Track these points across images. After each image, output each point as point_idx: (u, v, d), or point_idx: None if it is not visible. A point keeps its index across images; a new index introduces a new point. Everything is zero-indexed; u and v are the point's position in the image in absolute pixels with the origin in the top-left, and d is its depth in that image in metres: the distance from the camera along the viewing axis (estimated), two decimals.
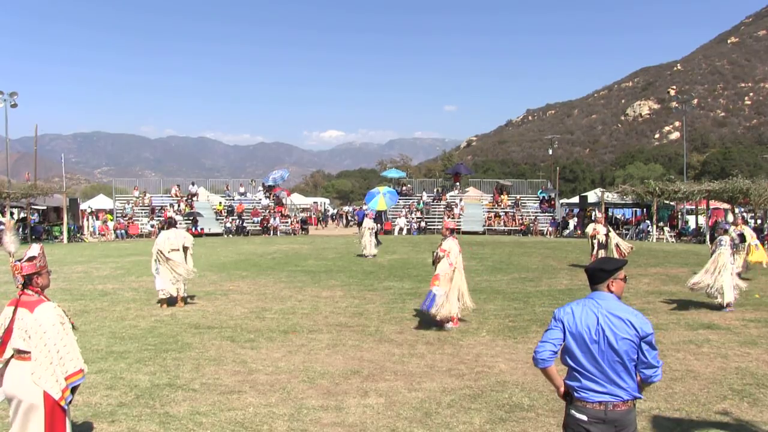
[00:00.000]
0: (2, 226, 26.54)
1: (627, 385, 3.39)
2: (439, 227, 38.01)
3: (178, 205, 37.60)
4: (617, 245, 16.88)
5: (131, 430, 5.36)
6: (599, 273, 3.56)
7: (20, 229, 30.37)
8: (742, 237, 15.08)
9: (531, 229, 36.47)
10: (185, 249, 11.69)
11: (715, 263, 11.22)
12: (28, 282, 4.09)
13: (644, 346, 3.39)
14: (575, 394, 3.45)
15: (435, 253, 9.63)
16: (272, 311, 10.95)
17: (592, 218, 22.51)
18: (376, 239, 21.93)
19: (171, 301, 11.52)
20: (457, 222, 37.99)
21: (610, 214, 36.70)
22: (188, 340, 8.67)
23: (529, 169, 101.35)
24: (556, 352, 3.47)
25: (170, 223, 12.20)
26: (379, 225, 27.18)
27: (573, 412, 3.45)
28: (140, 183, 42.97)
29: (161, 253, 11.36)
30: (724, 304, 11.02)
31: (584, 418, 3.39)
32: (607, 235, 17.14)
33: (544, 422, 5.57)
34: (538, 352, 3.48)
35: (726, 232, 11.80)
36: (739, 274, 14.90)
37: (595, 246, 17.21)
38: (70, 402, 4.12)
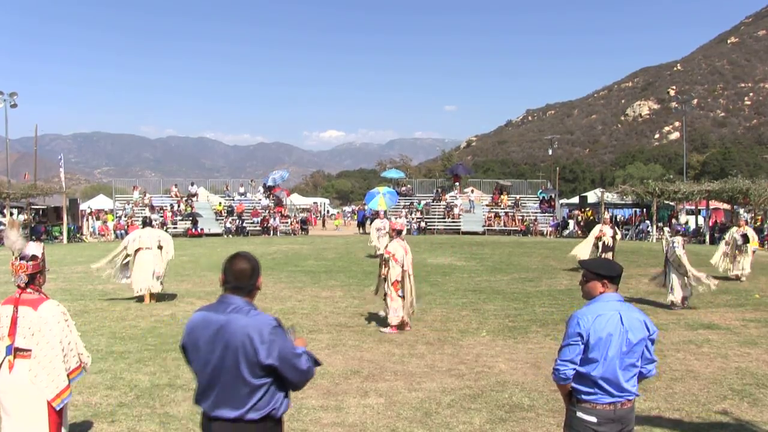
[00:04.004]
0: (2, 226, 26.58)
1: (634, 384, 3.42)
2: (439, 227, 38.07)
3: (178, 205, 37.60)
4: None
5: (131, 430, 5.36)
6: (620, 275, 3.52)
7: (23, 229, 30.35)
8: (745, 237, 15.11)
9: (531, 230, 36.48)
10: (160, 248, 11.87)
11: (666, 263, 11.45)
12: (31, 280, 4.08)
13: (649, 344, 3.46)
14: (584, 397, 3.39)
15: (381, 255, 9.60)
16: (272, 311, 10.93)
17: (597, 219, 22.46)
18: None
19: (160, 296, 11.88)
20: (457, 222, 38.06)
21: (610, 213, 36.70)
22: None
23: (529, 169, 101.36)
24: (576, 368, 3.42)
25: (145, 222, 12.62)
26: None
27: (580, 414, 3.39)
28: (140, 183, 42.92)
29: (125, 249, 11.69)
30: (670, 302, 11.18)
31: (593, 419, 3.35)
32: (614, 237, 17.09)
33: (544, 422, 5.57)
34: (561, 371, 3.40)
35: (678, 233, 11.98)
36: (738, 277, 14.96)
37: (600, 248, 17.14)
38: (65, 404, 4.10)
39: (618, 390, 3.35)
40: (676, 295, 11.14)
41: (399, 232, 9.73)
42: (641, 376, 3.47)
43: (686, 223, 36.48)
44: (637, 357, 3.41)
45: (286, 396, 3.06)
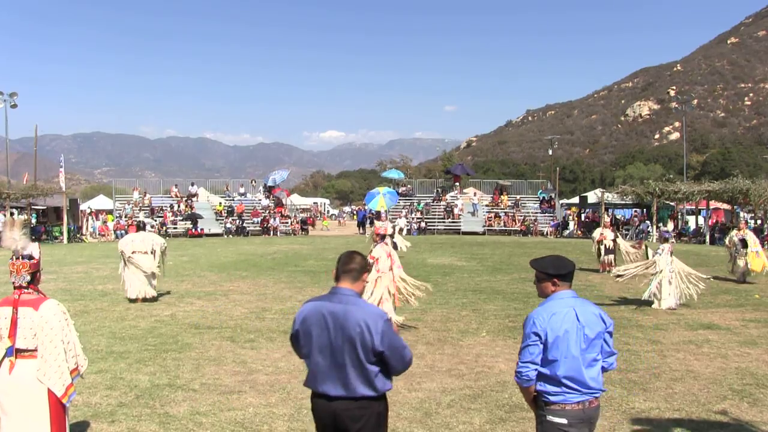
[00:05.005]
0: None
1: (600, 380, 3.41)
2: (439, 227, 38.08)
3: (178, 206, 37.62)
4: (627, 252, 16.72)
5: (131, 430, 5.36)
6: (572, 273, 3.48)
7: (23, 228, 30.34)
8: (743, 242, 14.98)
9: (531, 230, 36.49)
10: (153, 252, 11.97)
11: (646, 265, 11.42)
12: (31, 279, 4.07)
13: (607, 337, 3.44)
14: (551, 398, 3.35)
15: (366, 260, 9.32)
16: (272, 311, 10.95)
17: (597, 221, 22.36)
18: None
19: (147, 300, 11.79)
20: (457, 222, 38.07)
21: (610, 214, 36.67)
22: (188, 340, 8.67)
23: (529, 170, 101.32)
24: (538, 368, 3.39)
25: (138, 226, 12.95)
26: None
27: (551, 417, 3.35)
28: (140, 183, 42.97)
29: (123, 254, 11.77)
30: (664, 308, 11.09)
31: (564, 421, 3.32)
32: (614, 240, 17.07)
33: None
34: (523, 373, 3.35)
35: (666, 240, 11.94)
36: (740, 280, 14.85)
37: (602, 251, 17.14)
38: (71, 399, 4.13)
39: (584, 387, 3.33)
40: (668, 303, 11.11)
41: (383, 237, 9.57)
42: (603, 370, 3.46)
43: (687, 223, 36.52)
44: (597, 351, 3.39)
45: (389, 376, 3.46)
